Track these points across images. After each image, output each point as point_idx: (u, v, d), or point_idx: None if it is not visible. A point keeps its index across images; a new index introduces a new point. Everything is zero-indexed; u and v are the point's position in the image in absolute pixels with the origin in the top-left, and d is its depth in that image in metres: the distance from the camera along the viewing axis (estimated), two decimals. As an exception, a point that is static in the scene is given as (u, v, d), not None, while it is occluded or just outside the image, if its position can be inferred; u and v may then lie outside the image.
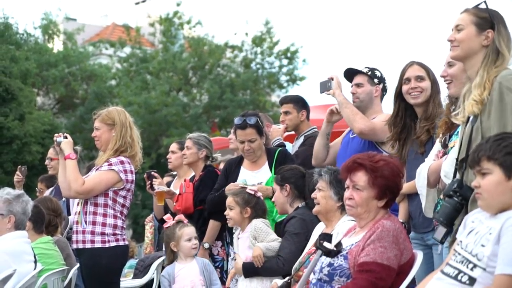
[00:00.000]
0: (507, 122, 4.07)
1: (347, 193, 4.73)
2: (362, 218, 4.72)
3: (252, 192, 6.28)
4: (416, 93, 5.77)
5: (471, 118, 4.31)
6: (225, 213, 6.31)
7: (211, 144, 8.11)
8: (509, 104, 4.09)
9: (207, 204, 7.23)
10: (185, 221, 6.71)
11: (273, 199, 6.43)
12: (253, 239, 6.09)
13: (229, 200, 6.27)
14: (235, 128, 7.07)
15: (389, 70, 6.08)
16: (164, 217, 6.97)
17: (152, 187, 8.06)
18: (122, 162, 6.15)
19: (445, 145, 5.20)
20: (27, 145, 25.41)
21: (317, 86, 6.66)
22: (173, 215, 8.19)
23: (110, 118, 6.25)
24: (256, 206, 6.24)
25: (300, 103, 7.83)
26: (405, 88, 5.81)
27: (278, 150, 7.04)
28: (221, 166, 7.98)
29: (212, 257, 7.46)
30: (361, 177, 4.65)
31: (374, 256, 4.43)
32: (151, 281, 8.66)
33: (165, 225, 6.76)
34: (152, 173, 8.13)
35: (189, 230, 6.65)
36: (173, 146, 8.77)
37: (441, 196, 5.01)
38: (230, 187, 6.81)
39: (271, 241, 6.07)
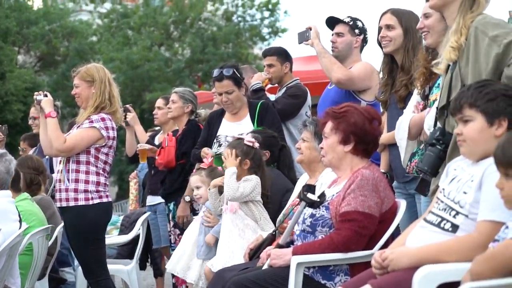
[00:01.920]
0: (481, 66, 4.06)
1: (321, 144, 4.83)
2: (334, 165, 4.77)
3: (250, 144, 6.24)
4: (385, 42, 5.76)
5: (450, 66, 4.30)
6: (224, 165, 6.25)
7: (196, 99, 8.13)
8: (483, 48, 4.08)
9: (192, 158, 7.23)
10: (203, 165, 6.60)
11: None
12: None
13: (228, 152, 6.23)
14: (213, 80, 7.05)
15: (373, 21, 6.03)
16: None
17: (125, 121, 8.40)
18: (103, 119, 6.12)
19: (425, 97, 5.18)
20: (8, 104, 25.33)
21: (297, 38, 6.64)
22: (156, 170, 8.26)
23: (89, 75, 6.21)
24: (254, 157, 6.19)
25: (283, 55, 7.79)
26: (379, 36, 5.80)
27: (260, 103, 7.01)
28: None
29: (194, 211, 7.47)
30: (328, 126, 4.73)
31: (355, 205, 4.46)
32: (137, 237, 8.68)
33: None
34: (127, 106, 8.36)
35: (192, 179, 6.58)
36: (159, 102, 8.80)
37: (421, 147, 5.03)
38: (205, 151, 6.80)
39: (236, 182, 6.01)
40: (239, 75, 6.91)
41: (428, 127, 4.65)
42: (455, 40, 4.20)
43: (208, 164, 6.51)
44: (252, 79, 7.72)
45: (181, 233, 7.50)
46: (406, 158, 5.23)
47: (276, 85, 7.97)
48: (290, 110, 7.36)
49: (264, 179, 6.13)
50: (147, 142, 8.73)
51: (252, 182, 6.00)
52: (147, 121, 23.18)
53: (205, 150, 6.83)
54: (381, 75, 5.98)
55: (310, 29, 6.48)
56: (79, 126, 6.18)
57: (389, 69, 5.80)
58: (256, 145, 6.24)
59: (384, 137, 5.64)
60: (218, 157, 6.71)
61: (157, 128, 9.79)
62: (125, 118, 8.51)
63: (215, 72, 6.98)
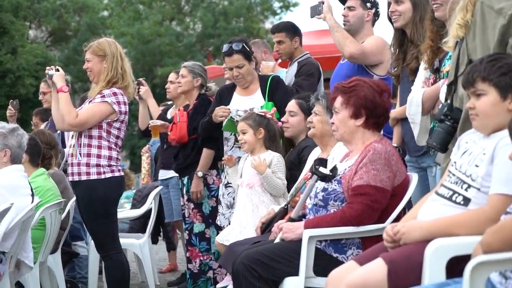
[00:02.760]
0: (489, 39, 4.05)
1: (331, 119, 4.83)
2: (346, 140, 4.76)
3: (262, 114, 6.27)
4: (394, 16, 5.75)
5: (458, 42, 4.29)
6: (239, 138, 6.30)
7: (205, 73, 8.09)
8: (490, 22, 4.06)
9: (199, 130, 7.23)
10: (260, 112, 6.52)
11: (290, 122, 6.39)
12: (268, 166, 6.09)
13: (241, 125, 6.27)
14: (223, 56, 7.05)
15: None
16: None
17: (139, 94, 8.52)
18: (115, 94, 6.12)
19: (435, 71, 5.16)
20: (20, 79, 25.37)
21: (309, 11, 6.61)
22: (169, 145, 8.28)
23: (101, 50, 6.20)
24: (268, 126, 6.24)
25: (292, 30, 7.75)
26: (389, 12, 5.78)
27: (271, 77, 7.02)
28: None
29: (208, 186, 7.49)
30: (338, 101, 4.72)
31: (367, 179, 4.46)
32: (149, 211, 8.72)
33: None
34: (141, 80, 8.43)
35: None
36: (171, 76, 8.79)
37: None
38: (217, 112, 6.79)
39: (277, 178, 6.08)
40: (248, 49, 6.91)
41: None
42: (461, 17, 4.19)
43: (265, 112, 6.46)
44: (262, 71, 7.71)
45: (195, 207, 7.53)
46: (420, 135, 5.21)
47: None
48: (313, 89, 7.30)
49: (279, 152, 6.20)
50: (160, 117, 8.73)
51: (281, 165, 6.06)
52: (159, 96, 23.23)
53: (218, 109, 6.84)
54: (392, 50, 5.96)
55: (323, 3, 6.45)
56: (91, 101, 6.18)
57: (399, 44, 5.79)
58: (268, 115, 6.29)
59: (397, 111, 5.64)
60: (230, 122, 6.73)
61: (169, 102, 9.80)
62: (138, 91, 8.55)
63: (225, 47, 6.98)
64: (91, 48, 6.25)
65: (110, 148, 6.12)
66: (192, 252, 7.54)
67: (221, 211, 6.97)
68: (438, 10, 5.04)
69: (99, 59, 6.22)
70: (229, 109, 6.79)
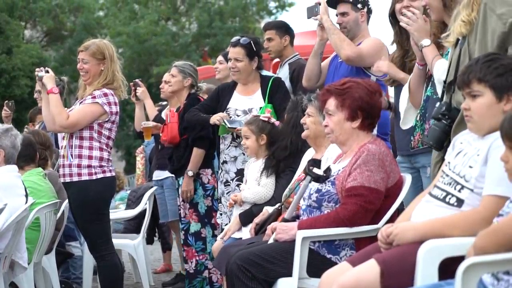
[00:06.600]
0: (487, 43, 4.04)
1: (324, 122, 4.78)
2: (341, 142, 4.75)
3: (266, 119, 6.27)
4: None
5: (460, 41, 4.28)
6: (242, 143, 6.31)
7: (196, 72, 8.09)
8: (491, 25, 4.05)
9: (187, 116, 7.23)
10: (262, 117, 6.48)
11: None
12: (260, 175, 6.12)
13: (244, 130, 6.28)
14: (229, 46, 7.07)
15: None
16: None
17: (135, 95, 8.50)
18: (105, 95, 6.10)
19: None
20: (15, 79, 25.32)
21: (305, 12, 6.59)
22: (162, 146, 8.27)
23: (100, 53, 6.18)
24: (271, 132, 6.24)
25: (283, 29, 7.75)
26: (398, 6, 5.59)
27: (272, 78, 7.02)
28: (206, 96, 7.92)
29: (203, 185, 7.48)
30: (331, 103, 4.69)
31: (361, 180, 4.46)
32: (144, 211, 8.71)
33: None
34: (137, 81, 8.41)
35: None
36: (166, 76, 8.77)
37: (417, 118, 5.02)
38: (216, 117, 6.80)
39: (262, 185, 6.08)
40: (255, 49, 6.91)
41: (438, 73, 4.59)
42: (466, 15, 4.17)
43: (267, 116, 6.45)
44: None
45: (191, 207, 7.52)
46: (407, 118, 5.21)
47: (278, 60, 7.94)
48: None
49: None
50: (156, 117, 8.72)
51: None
52: (154, 96, 23.22)
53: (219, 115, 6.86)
54: (394, 47, 5.86)
55: (319, 4, 6.41)
56: (81, 102, 6.17)
57: (400, 40, 5.68)
58: (272, 120, 6.29)
59: None
60: (223, 127, 6.75)
61: (164, 103, 9.79)
62: (135, 92, 8.52)
63: (234, 39, 7.06)
64: (89, 50, 6.20)
65: (101, 149, 6.11)
66: (188, 252, 7.54)
67: (222, 210, 6.97)
68: (430, 13, 5.01)
69: (97, 62, 6.20)
70: (226, 116, 6.80)
